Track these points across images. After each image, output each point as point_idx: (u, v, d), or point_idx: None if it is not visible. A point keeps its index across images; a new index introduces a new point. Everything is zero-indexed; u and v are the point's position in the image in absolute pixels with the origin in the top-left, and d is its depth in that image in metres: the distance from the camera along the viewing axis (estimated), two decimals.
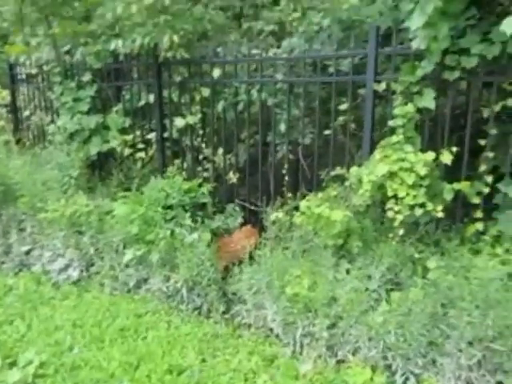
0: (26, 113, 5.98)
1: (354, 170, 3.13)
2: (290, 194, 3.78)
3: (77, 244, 3.92)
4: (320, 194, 3.22)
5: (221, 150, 4.21)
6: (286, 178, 3.84)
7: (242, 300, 3.29)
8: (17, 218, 4.24)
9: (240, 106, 3.98)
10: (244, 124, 4.01)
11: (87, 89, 4.93)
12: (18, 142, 5.92)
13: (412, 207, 2.80)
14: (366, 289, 2.94)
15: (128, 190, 4.61)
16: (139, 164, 4.65)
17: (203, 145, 4.28)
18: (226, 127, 4.14)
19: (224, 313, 3.34)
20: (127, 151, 4.61)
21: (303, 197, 3.64)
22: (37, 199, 4.19)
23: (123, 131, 4.73)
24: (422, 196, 2.78)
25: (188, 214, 3.83)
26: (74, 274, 3.86)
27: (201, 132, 4.29)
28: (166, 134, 4.49)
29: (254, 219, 4.28)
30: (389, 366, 2.66)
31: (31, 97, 5.94)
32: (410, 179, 2.81)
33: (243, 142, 4.13)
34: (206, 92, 4.17)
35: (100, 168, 4.87)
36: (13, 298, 3.56)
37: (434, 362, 2.57)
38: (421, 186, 2.83)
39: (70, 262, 3.90)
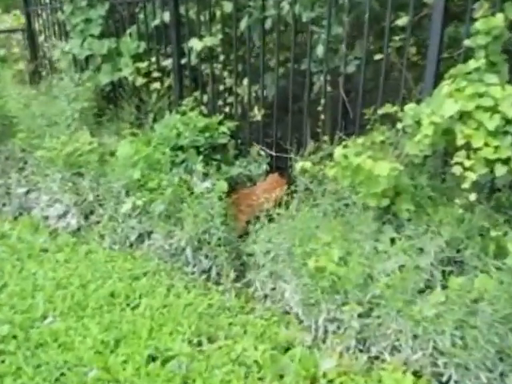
0: (41, 38, 5.39)
1: (410, 107, 2.30)
2: (326, 138, 3.02)
3: (76, 188, 3.40)
4: (361, 139, 2.44)
5: (246, 81, 3.46)
6: (323, 116, 3.05)
7: (258, 266, 2.67)
8: (16, 155, 3.76)
9: (268, 24, 3.15)
10: (273, 47, 3.21)
11: (98, 8, 4.23)
12: (34, 72, 5.40)
13: (491, 163, 1.99)
14: (416, 267, 2.23)
15: (141, 126, 4.01)
16: (154, 96, 3.99)
17: (225, 74, 3.53)
18: (252, 51, 3.35)
19: (236, 280, 2.75)
20: (140, 81, 3.94)
21: (341, 142, 2.88)
22: (35, 135, 3.67)
23: (137, 57, 4.04)
24: (508, 148, 1.96)
25: (201, 158, 3.18)
26: (73, 221, 3.37)
27: (222, 57, 3.53)
28: (183, 61, 3.76)
29: (282, 166, 3.58)
30: (439, 375, 1.99)
31: (46, 20, 5.31)
32: (492, 123, 1.98)
33: (272, 71, 3.34)
34: (228, 7, 3.36)
35: (112, 101, 4.25)
36: (1, 249, 3.14)
37: (503, 378, 1.87)
38: (506, 133, 1.99)
39: (68, 209, 3.41)
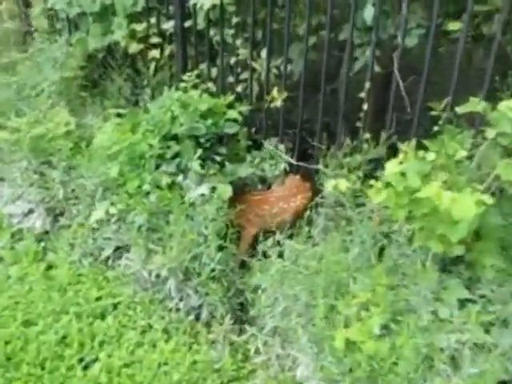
0: None
1: (509, 106, 1.47)
2: (367, 136, 2.21)
3: (44, 182, 2.69)
4: (432, 155, 1.61)
5: (265, 52, 2.64)
6: (365, 106, 2.22)
7: (262, 316, 1.93)
8: None
9: None
10: (302, 8, 2.37)
11: None
12: (25, 33, 4.65)
13: None
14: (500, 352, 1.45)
15: (136, 104, 3.26)
16: (152, 67, 3.21)
17: (239, 41, 2.71)
18: (274, 13, 2.51)
19: (232, 330, 2.02)
20: (135, 47, 3.16)
21: (390, 146, 2.07)
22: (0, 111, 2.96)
23: (133, 18, 3.25)
24: None
25: (199, 152, 2.41)
26: (37, 223, 2.68)
27: (236, 20, 2.71)
28: (187, 24, 2.95)
29: (306, 166, 2.79)
30: None
31: None
32: None
33: (300, 41, 2.50)
34: None
35: (105, 72, 3.47)
36: None
37: None
38: None
39: (34, 207, 2.72)
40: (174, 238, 2.09)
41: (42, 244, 2.63)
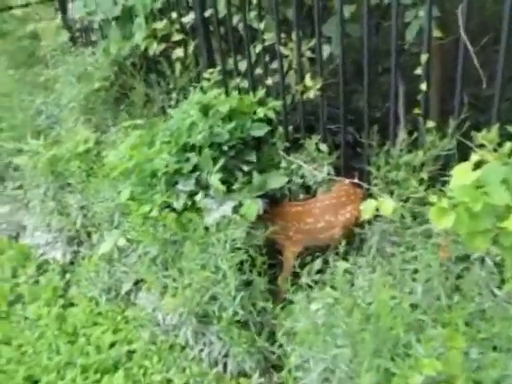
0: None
1: None
2: (431, 124, 1.66)
3: (63, 208, 2.44)
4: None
5: (294, 35, 2.16)
6: (424, 85, 1.66)
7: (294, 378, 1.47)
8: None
9: None
10: None
11: None
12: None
13: None
14: None
15: (163, 112, 2.92)
16: (178, 68, 2.85)
17: (262, 25, 2.25)
18: None
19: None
20: (155, 47, 2.82)
21: (464, 135, 1.51)
22: (18, 133, 2.76)
23: (153, 17, 2.91)
24: None
25: (221, 163, 1.99)
26: (58, 255, 2.44)
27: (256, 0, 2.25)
28: (207, 13, 2.55)
29: (355, 167, 2.29)
30: None
31: None
32: None
33: (333, 14, 1.99)
34: None
35: (135, 79, 3.17)
36: None
37: None
38: None
39: (57, 236, 2.48)
40: (188, 273, 1.69)
41: (67, 276, 2.38)
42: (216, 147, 2.09)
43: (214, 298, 1.65)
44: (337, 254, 2.09)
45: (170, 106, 2.84)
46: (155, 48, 2.81)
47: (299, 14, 2.01)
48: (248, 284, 1.67)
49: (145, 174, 2.01)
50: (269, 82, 2.32)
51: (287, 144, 2.29)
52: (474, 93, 1.60)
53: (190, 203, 1.95)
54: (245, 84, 2.48)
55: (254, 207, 1.88)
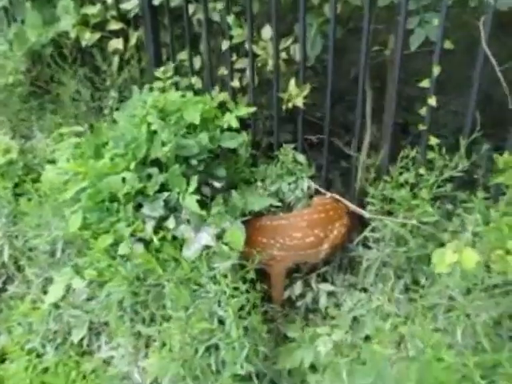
0: None
1: None
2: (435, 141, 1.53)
3: None
4: None
5: (268, 31, 1.91)
6: (432, 100, 1.52)
7: None
8: None
9: None
10: None
11: None
12: None
13: None
14: None
15: (99, 112, 2.50)
16: (115, 63, 2.45)
17: (230, 18, 1.96)
18: None
19: None
20: (89, 37, 2.38)
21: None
22: None
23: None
24: None
25: (195, 181, 1.69)
26: None
27: None
28: (157, 0, 2.19)
29: (341, 183, 2.15)
30: None
31: None
32: None
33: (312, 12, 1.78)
34: None
35: (50, 74, 2.65)
36: None
37: None
38: None
39: None
40: (175, 321, 1.39)
41: None
42: (182, 161, 1.78)
43: (208, 350, 1.37)
44: (318, 275, 1.94)
45: (107, 107, 2.44)
46: (88, 38, 2.38)
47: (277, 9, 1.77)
48: (247, 328, 1.41)
49: (100, 197, 1.64)
50: (236, 83, 2.05)
51: (259, 155, 2.07)
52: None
53: (160, 231, 1.63)
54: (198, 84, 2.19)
55: (238, 234, 1.62)
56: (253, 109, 1.92)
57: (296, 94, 1.74)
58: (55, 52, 2.49)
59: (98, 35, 2.39)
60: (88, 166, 1.73)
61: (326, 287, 1.87)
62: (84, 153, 1.92)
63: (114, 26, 2.38)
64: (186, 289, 1.41)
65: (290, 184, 1.96)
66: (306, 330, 1.55)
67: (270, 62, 1.88)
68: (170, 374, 1.30)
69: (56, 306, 1.67)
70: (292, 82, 1.77)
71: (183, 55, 2.25)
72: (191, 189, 1.65)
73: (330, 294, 1.86)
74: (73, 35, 2.38)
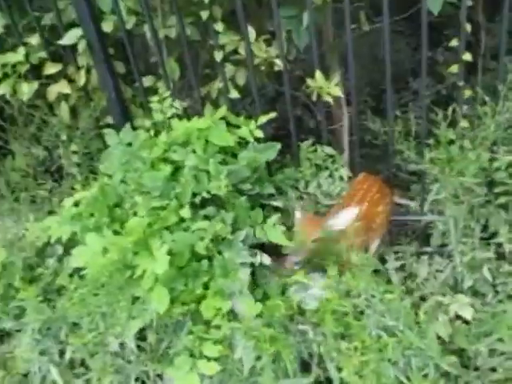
0: None
1: None
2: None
3: None
4: None
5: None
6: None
7: None
8: None
9: None
10: None
11: None
12: None
13: None
14: None
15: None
16: (65, 111, 2.06)
17: (219, 26, 1.76)
18: None
19: None
20: (27, 89, 1.95)
21: None
22: None
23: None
24: None
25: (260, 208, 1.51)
26: None
27: None
28: (107, 27, 1.88)
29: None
30: None
31: None
32: None
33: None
34: None
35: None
36: None
37: None
38: None
39: None
40: None
41: None
42: (235, 192, 1.59)
43: None
44: None
45: (70, 177, 2.03)
46: (26, 90, 1.95)
47: None
48: None
49: (183, 260, 1.38)
50: (235, 94, 1.88)
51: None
52: None
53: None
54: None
55: None
56: (274, 114, 1.78)
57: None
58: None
59: (35, 84, 1.97)
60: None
61: None
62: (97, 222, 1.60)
63: (51, 68, 2.00)
64: None
65: (326, 179, 1.89)
66: None
67: (277, 61, 1.76)
68: None
69: None
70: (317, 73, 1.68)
71: (150, 81, 2.00)
72: (273, 220, 1.48)
73: None
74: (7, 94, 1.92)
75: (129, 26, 1.88)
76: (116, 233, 1.56)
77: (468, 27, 1.59)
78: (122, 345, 1.49)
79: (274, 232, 1.46)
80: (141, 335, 1.52)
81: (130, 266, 1.42)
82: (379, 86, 2.51)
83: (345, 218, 1.59)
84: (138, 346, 1.52)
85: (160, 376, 1.53)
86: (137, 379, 1.55)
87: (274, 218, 1.48)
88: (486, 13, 2.29)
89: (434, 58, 2.88)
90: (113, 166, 1.78)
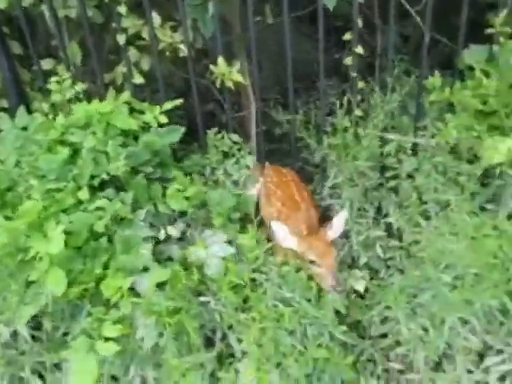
0: None
1: None
2: None
3: None
4: None
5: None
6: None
7: None
8: None
9: None
10: None
11: None
12: None
13: None
14: None
15: None
16: None
17: (123, 8, 1.74)
18: None
19: None
20: None
21: None
22: None
23: None
24: None
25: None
26: None
27: None
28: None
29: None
30: None
31: None
32: None
33: None
34: None
35: None
36: None
37: None
38: None
39: None
40: None
41: None
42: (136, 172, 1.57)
43: None
44: None
45: None
46: None
47: None
48: None
49: (80, 240, 1.33)
50: (140, 80, 1.86)
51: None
52: None
53: None
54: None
55: None
56: (180, 100, 1.79)
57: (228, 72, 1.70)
58: None
59: None
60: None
61: None
62: None
63: None
64: None
65: (233, 166, 1.92)
66: None
67: (182, 47, 1.77)
68: None
69: None
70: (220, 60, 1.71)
71: (49, 64, 1.92)
72: (171, 189, 1.48)
73: None
74: None
75: (25, 3, 1.79)
76: (8, 218, 1.47)
77: (360, 23, 1.71)
78: (14, 334, 1.40)
79: (174, 200, 1.47)
80: (35, 324, 1.44)
81: (23, 249, 1.35)
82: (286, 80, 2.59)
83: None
84: (33, 337, 1.45)
85: (58, 365, 1.46)
86: (33, 371, 1.47)
87: (172, 187, 1.48)
88: (382, 16, 2.47)
89: (341, 60, 3.02)
90: (6, 150, 1.68)
